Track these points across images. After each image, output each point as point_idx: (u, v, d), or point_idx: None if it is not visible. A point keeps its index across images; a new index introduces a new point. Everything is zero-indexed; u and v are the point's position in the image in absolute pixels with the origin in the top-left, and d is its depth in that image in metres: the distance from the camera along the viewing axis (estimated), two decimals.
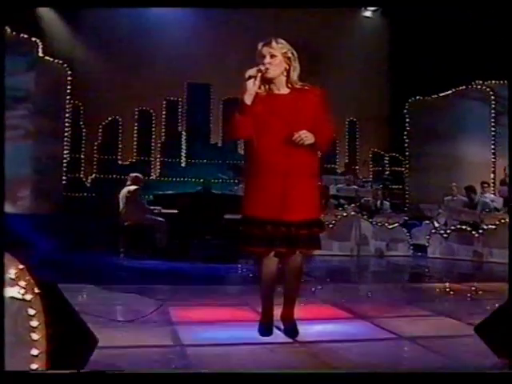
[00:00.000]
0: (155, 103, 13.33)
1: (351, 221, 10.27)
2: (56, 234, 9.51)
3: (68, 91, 11.57)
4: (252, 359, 3.09)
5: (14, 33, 9.92)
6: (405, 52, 13.16)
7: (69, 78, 11.50)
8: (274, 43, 3.42)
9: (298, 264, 3.51)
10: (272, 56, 3.40)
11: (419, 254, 10.37)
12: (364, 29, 14.24)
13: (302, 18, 13.42)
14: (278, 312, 3.64)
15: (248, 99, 3.35)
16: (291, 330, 3.58)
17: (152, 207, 9.27)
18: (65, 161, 11.71)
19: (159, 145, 13.50)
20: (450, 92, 12.56)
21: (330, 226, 10.11)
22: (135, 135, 13.38)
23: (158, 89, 12.93)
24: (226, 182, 12.76)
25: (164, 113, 13.58)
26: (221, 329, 3.78)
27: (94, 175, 13.00)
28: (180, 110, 13.68)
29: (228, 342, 3.42)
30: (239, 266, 8.28)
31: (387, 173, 14.05)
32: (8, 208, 9.65)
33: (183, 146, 13.52)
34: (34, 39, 10.32)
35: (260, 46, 3.45)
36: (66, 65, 11.40)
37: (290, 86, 3.48)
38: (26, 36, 10.15)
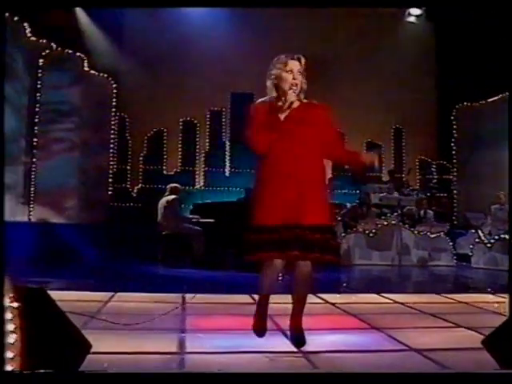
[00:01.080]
0: (199, 114, 13.56)
1: (392, 230, 10.16)
2: (102, 243, 10.02)
3: (113, 104, 11.91)
4: (253, 368, 3.11)
5: (59, 48, 10.34)
6: (451, 57, 12.97)
7: (114, 91, 11.85)
8: (303, 60, 3.61)
9: (306, 273, 3.54)
10: (300, 74, 3.60)
11: (463, 263, 10.13)
12: (409, 35, 14.07)
13: (346, 25, 13.53)
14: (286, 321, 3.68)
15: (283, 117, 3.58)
16: (298, 339, 3.60)
17: (190, 216, 9.46)
18: (111, 172, 12.06)
19: (203, 154, 13.72)
20: (497, 97, 12.22)
21: (371, 235, 10.04)
22: (180, 145, 13.65)
23: (201, 99, 13.16)
24: None
25: (208, 123, 13.80)
26: (229, 337, 3.84)
27: (140, 185, 13.31)
28: (224, 119, 13.87)
29: (231, 350, 3.45)
30: (280, 275, 8.31)
31: (434, 181, 13.79)
32: (56, 218, 10.14)
33: (227, 156, 13.69)
34: (78, 54, 10.69)
35: (287, 59, 3.60)
36: (110, 78, 11.74)
37: (299, 100, 3.65)
38: (70, 51, 10.53)
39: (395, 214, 10.91)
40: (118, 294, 5.63)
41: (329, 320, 4.59)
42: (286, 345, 3.58)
